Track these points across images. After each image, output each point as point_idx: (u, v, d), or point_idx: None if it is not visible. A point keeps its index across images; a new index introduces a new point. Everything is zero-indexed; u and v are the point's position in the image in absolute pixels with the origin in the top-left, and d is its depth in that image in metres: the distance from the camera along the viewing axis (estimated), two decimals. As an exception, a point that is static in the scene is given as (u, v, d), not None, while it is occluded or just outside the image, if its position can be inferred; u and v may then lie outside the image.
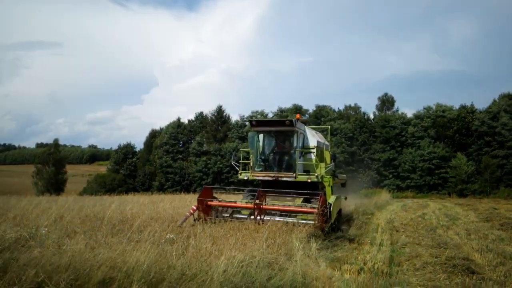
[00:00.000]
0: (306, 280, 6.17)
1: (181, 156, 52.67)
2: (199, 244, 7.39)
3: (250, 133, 13.56)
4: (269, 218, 10.36)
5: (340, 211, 13.83)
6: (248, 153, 13.47)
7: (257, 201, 10.62)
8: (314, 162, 12.93)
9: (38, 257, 5.60)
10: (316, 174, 12.32)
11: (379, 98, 54.13)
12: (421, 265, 7.75)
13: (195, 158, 50.34)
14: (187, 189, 43.80)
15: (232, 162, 13.94)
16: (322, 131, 17.36)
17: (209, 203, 11.54)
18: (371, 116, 50.97)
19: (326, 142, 15.77)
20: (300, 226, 9.77)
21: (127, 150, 58.22)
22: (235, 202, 12.05)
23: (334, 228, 12.00)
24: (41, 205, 13.68)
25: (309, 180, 12.12)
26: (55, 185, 51.06)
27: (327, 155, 14.75)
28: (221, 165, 47.12)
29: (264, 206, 10.84)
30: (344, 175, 20.23)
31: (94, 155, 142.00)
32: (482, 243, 10.68)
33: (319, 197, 10.31)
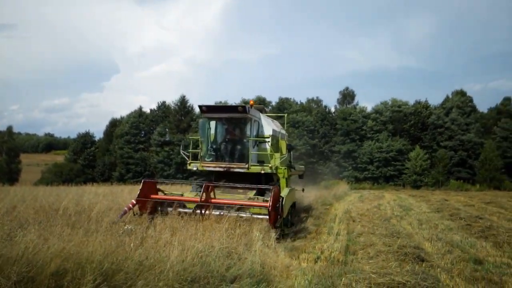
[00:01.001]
0: (264, 269, 6.29)
1: (142, 146, 51.72)
2: (158, 235, 7.34)
3: (200, 120, 12.74)
4: (218, 213, 9.58)
5: (294, 204, 13.13)
6: (199, 141, 12.56)
7: (204, 195, 9.76)
8: (268, 152, 12.26)
9: (-12, 250, 5.38)
10: (270, 165, 11.77)
11: (340, 92, 55.56)
12: (375, 254, 8.05)
13: (156, 148, 49.59)
14: (148, 180, 43.12)
15: (181, 151, 13.03)
16: (282, 123, 16.96)
17: (152, 196, 10.52)
18: (332, 110, 52.16)
19: (283, 131, 14.95)
20: (250, 221, 9.18)
21: (85, 139, 56.50)
22: (181, 195, 11.20)
23: (287, 223, 11.26)
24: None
25: (262, 172, 11.57)
26: (8, 174, 49.00)
27: (283, 145, 14.00)
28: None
29: (212, 200, 9.96)
30: (302, 166, 19.77)
31: (50, 144, 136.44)
32: (432, 232, 11.23)
33: (271, 190, 9.56)
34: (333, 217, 15.09)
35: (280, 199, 9.69)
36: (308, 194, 20.93)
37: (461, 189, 38.32)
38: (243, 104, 11.59)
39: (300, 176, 17.82)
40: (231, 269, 6.02)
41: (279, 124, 15.32)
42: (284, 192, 10.56)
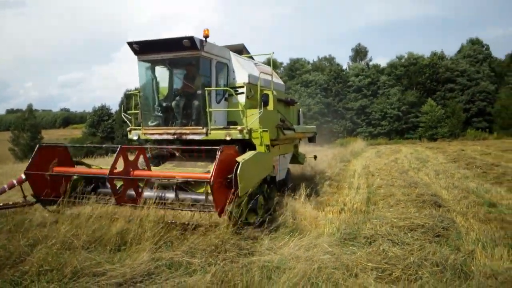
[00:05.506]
0: (296, 220, 7.05)
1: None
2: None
3: (139, 64, 8.49)
4: (152, 194, 6.75)
5: (273, 180, 8.90)
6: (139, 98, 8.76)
7: (117, 163, 6.54)
8: (240, 108, 8.39)
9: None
10: (238, 128, 7.89)
11: (352, 49, 54.98)
12: (395, 203, 8.70)
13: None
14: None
15: (122, 114, 9.46)
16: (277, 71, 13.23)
17: (56, 169, 7.29)
18: (345, 67, 51.86)
19: (268, 77, 9.76)
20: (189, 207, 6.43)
21: (102, 112, 57.64)
22: (101, 168, 7.81)
23: (255, 208, 6.66)
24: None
25: (228, 138, 7.82)
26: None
27: (269, 98, 8.94)
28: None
29: (135, 172, 6.70)
30: (313, 127, 14.89)
31: (67, 119, 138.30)
32: (449, 181, 11.82)
33: (218, 152, 6.06)
34: (352, 173, 15.69)
35: (235, 166, 6.05)
36: (326, 153, 21.52)
37: (478, 138, 38.42)
38: (191, 35, 7.55)
39: (310, 140, 13.55)
40: (266, 221, 6.75)
41: (266, 68, 10.82)
42: (244, 156, 6.52)
